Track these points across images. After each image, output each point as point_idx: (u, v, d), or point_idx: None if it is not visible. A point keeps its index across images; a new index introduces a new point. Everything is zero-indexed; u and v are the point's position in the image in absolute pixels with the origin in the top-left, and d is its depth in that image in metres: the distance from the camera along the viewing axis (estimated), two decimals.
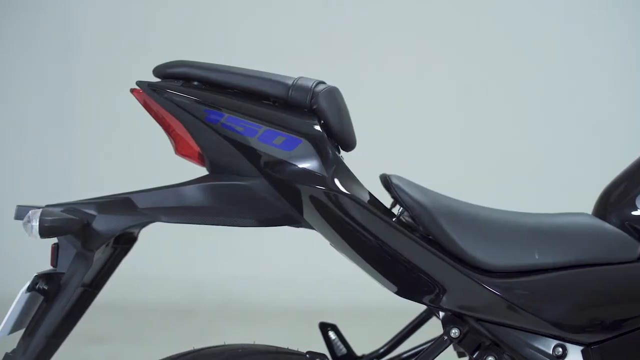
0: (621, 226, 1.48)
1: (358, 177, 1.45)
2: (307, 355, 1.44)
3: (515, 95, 4.98)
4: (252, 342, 1.54)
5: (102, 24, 4.88)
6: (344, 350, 1.67)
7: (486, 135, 4.91)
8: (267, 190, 1.43)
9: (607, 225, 1.48)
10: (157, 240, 4.13)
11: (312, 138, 1.42)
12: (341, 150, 1.52)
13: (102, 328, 3.83)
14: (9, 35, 4.83)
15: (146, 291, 4.40)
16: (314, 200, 1.41)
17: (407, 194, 1.44)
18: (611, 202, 1.53)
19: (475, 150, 4.90)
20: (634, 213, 1.48)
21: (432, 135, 4.91)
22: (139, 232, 1.59)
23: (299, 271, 4.16)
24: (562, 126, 4.87)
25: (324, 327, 1.68)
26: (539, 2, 5.01)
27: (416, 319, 1.72)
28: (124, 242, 1.58)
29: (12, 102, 4.86)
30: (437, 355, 1.45)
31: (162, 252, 4.43)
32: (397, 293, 1.46)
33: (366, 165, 4.63)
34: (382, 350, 1.70)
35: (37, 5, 4.83)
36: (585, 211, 1.57)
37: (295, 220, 1.46)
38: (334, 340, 1.66)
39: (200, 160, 1.49)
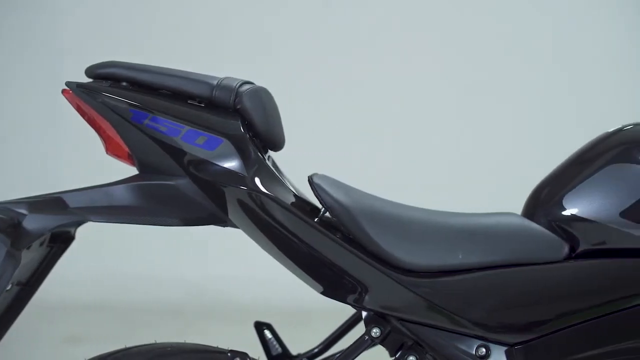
0: (549, 226, 1.47)
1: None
2: (229, 354, 1.45)
3: (515, 97, 4.96)
4: (182, 341, 1.55)
5: (93, 25, 4.91)
6: (279, 349, 1.67)
7: (485, 135, 4.89)
8: (193, 190, 1.45)
9: (534, 226, 1.48)
10: (144, 240, 4.21)
11: (234, 138, 1.43)
12: (270, 150, 1.54)
13: (84, 328, 3.87)
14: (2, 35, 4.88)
15: (133, 291, 4.43)
16: (236, 200, 1.42)
17: (327, 193, 1.44)
18: (539, 203, 1.52)
19: (472, 151, 4.89)
20: (561, 213, 1.47)
21: (430, 135, 4.90)
22: (75, 231, 1.61)
23: (283, 272, 4.16)
24: (560, 126, 4.84)
25: (259, 327, 1.69)
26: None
27: (352, 317, 1.72)
28: (61, 241, 1.60)
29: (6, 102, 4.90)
30: (358, 355, 1.46)
31: (149, 252, 4.47)
32: (322, 293, 1.47)
33: (356, 164, 4.66)
34: (317, 350, 1.70)
35: (30, 4, 4.87)
36: None
37: (222, 219, 1.47)
38: (269, 339, 1.67)
39: (130, 160, 1.50)
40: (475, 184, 4.74)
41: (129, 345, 1.54)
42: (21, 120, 4.70)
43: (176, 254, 4.60)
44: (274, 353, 1.67)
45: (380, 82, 4.93)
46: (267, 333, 1.67)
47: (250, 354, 1.49)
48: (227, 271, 4.45)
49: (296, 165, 4.88)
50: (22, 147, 4.94)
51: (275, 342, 1.67)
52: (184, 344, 1.52)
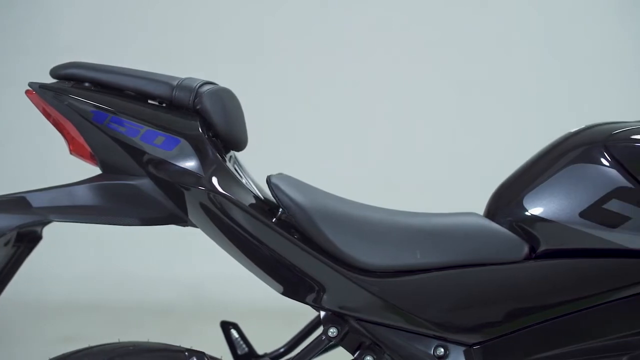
0: (510, 227, 1.48)
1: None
2: (186, 353, 1.46)
3: (512, 96, 4.94)
4: (145, 340, 1.56)
5: (90, 23, 4.93)
6: (246, 349, 1.68)
7: (480, 134, 4.88)
8: (154, 190, 1.45)
9: (494, 226, 1.48)
10: (138, 239, 4.21)
11: (191, 138, 1.44)
12: (232, 150, 1.54)
13: (75, 328, 3.88)
14: None
15: (125, 291, 4.44)
16: (194, 200, 1.43)
17: (284, 193, 1.44)
18: (501, 203, 1.52)
19: (466, 150, 4.88)
20: (521, 213, 1.47)
21: (426, 133, 4.90)
22: (41, 231, 1.62)
23: None
24: (558, 126, 4.81)
25: (226, 326, 1.69)
26: None
27: (318, 317, 1.72)
28: (28, 241, 1.61)
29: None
30: (315, 355, 1.46)
31: (143, 251, 4.48)
32: (283, 293, 1.47)
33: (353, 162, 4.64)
34: (282, 350, 1.71)
35: (23, 4, 4.90)
36: None
37: (182, 219, 1.48)
38: (235, 339, 1.68)
39: (93, 160, 1.52)
40: (471, 183, 4.72)
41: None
42: (18, 120, 4.72)
43: (173, 252, 4.61)
44: (240, 352, 1.67)
45: (379, 82, 4.93)
46: (234, 332, 1.68)
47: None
48: (226, 270, 4.45)
49: (296, 164, 4.90)
50: (20, 147, 4.96)
51: (241, 342, 1.67)
52: (146, 343, 1.53)
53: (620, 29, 5.00)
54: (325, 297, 1.43)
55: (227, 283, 4.26)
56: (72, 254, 4.60)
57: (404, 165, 4.82)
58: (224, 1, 4.96)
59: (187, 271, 4.57)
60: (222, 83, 1.56)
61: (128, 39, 4.88)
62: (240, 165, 1.57)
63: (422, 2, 4.95)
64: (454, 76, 4.90)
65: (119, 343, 1.53)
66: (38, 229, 1.60)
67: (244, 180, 1.51)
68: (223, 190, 1.42)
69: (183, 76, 1.50)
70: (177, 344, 1.64)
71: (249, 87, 4.86)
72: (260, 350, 1.70)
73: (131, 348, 1.51)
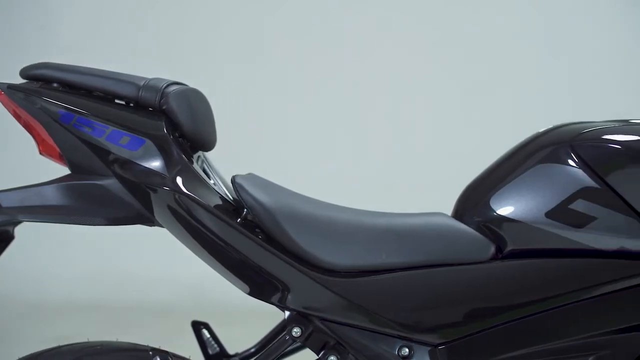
0: (477, 227, 1.47)
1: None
2: (150, 353, 1.46)
3: (515, 96, 4.93)
4: (114, 340, 1.56)
5: (88, 23, 4.96)
6: (217, 348, 1.68)
7: (477, 134, 4.87)
8: (120, 190, 1.46)
9: (461, 226, 1.48)
10: (136, 240, 4.23)
11: (156, 138, 1.44)
12: (201, 150, 1.55)
13: (75, 328, 3.90)
14: None
15: (124, 291, 4.46)
16: (159, 200, 1.43)
17: (249, 194, 1.45)
18: (468, 203, 1.52)
19: (466, 150, 4.86)
20: (488, 214, 1.47)
21: (424, 133, 4.90)
22: (13, 231, 1.63)
23: None
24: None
25: (197, 326, 1.70)
26: None
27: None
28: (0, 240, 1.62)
29: None
30: (279, 354, 1.46)
31: (145, 252, 4.50)
32: (248, 294, 1.48)
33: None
34: (253, 349, 1.70)
35: (15, 5, 4.93)
36: None
37: (148, 219, 1.48)
38: (207, 339, 1.68)
39: (62, 160, 1.52)
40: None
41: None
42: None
43: (172, 252, 4.61)
44: (211, 352, 1.68)
45: (378, 82, 4.92)
46: (205, 332, 1.68)
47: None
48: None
49: (296, 164, 4.90)
50: (18, 147, 4.98)
51: (212, 342, 1.68)
52: (114, 342, 1.54)
53: (622, 28, 4.97)
54: (289, 297, 1.43)
55: (227, 283, 4.27)
56: (71, 254, 4.62)
57: (404, 165, 4.81)
58: (224, 1, 4.97)
59: (187, 271, 4.58)
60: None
61: (127, 38, 4.90)
62: (210, 166, 1.58)
63: (422, 2, 4.95)
64: (454, 76, 4.89)
65: (87, 343, 1.54)
66: (9, 228, 1.61)
67: (211, 181, 1.51)
68: (187, 190, 1.42)
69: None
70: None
71: (249, 87, 4.90)
72: (231, 351, 1.70)
73: (98, 347, 1.52)
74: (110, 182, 1.46)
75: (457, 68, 4.92)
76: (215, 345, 1.68)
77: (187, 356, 1.56)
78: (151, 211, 1.45)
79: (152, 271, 4.57)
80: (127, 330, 3.81)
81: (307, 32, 4.96)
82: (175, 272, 4.56)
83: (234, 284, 1.48)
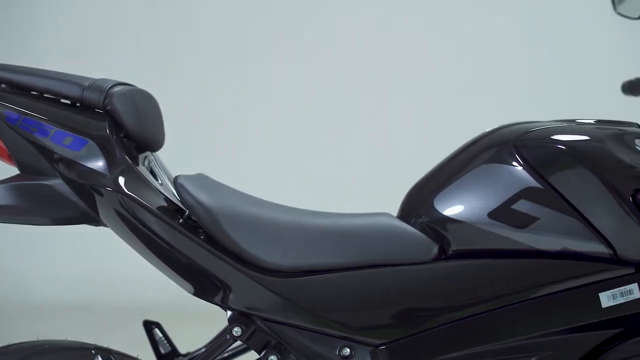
0: (421, 227, 1.47)
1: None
2: (93, 351, 1.47)
3: (513, 97, 4.92)
4: (64, 339, 1.57)
5: (79, 24, 4.98)
6: (169, 348, 1.69)
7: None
8: (66, 190, 1.47)
9: (405, 226, 1.48)
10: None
11: (98, 139, 1.45)
12: (148, 150, 1.55)
13: (60, 328, 3.90)
14: None
15: (112, 291, 4.47)
16: (102, 200, 1.44)
17: (190, 194, 1.45)
18: (413, 204, 1.52)
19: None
20: (432, 214, 1.47)
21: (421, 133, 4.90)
22: None
23: None
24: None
25: (148, 326, 1.70)
26: None
27: None
28: None
29: None
30: (220, 353, 1.46)
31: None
32: (194, 294, 1.48)
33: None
34: (204, 349, 1.70)
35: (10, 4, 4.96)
36: None
37: (94, 219, 1.48)
38: (159, 338, 1.68)
39: (11, 160, 1.53)
40: None
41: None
42: None
43: None
44: (163, 351, 1.68)
45: (376, 82, 4.92)
46: (157, 332, 1.68)
47: None
48: None
49: (295, 164, 4.87)
50: None
51: (164, 341, 1.68)
52: (62, 341, 1.54)
53: (620, 28, 4.94)
54: (231, 297, 1.43)
55: None
56: (64, 254, 4.64)
57: (400, 166, 4.80)
58: (224, 1, 5.00)
59: None
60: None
61: (116, 39, 4.92)
62: (159, 166, 1.58)
63: (419, 2, 4.94)
64: (445, 77, 4.88)
65: (36, 342, 1.55)
66: None
67: (159, 181, 1.52)
68: (128, 190, 1.42)
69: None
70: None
71: (235, 90, 4.91)
72: (182, 350, 1.70)
73: (46, 347, 1.52)
74: (57, 182, 1.47)
75: (449, 69, 4.91)
76: (167, 345, 1.68)
77: (134, 355, 1.57)
78: (96, 211, 1.46)
79: (142, 271, 4.57)
80: (114, 330, 3.82)
81: (297, 32, 4.97)
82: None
83: (178, 284, 1.48)
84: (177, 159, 4.53)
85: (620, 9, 1.83)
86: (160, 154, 1.61)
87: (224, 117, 4.90)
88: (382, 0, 4.97)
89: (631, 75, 2.45)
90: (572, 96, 4.87)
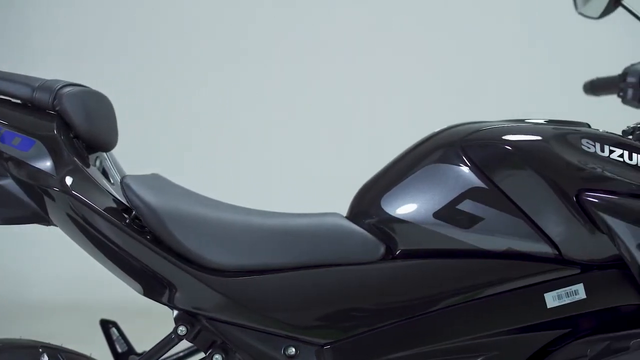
0: (369, 227, 1.47)
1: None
2: (40, 349, 1.48)
3: (512, 97, 4.90)
4: (17, 337, 1.58)
5: (74, 25, 5.01)
6: (126, 347, 1.70)
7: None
8: (17, 190, 1.48)
9: (353, 226, 1.48)
10: None
11: (45, 139, 1.46)
12: (100, 150, 1.56)
13: (50, 328, 3.93)
14: None
15: (102, 291, 4.49)
16: (50, 200, 1.45)
17: (135, 194, 1.46)
18: (361, 204, 1.52)
19: None
20: (379, 214, 1.47)
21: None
22: None
23: None
24: None
25: (105, 325, 1.71)
26: None
27: None
28: None
29: None
30: (164, 353, 1.47)
31: None
32: (143, 294, 1.49)
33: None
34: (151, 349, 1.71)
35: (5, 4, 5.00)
36: None
37: (44, 219, 1.50)
38: (116, 337, 1.69)
39: None
40: None
41: None
42: None
43: None
44: (120, 350, 1.69)
45: (374, 82, 4.93)
46: (114, 331, 1.69)
47: None
48: None
49: (295, 164, 4.87)
50: None
51: (121, 340, 1.69)
52: (11, 339, 1.56)
53: (620, 28, 4.91)
54: (177, 296, 1.44)
55: None
56: (56, 254, 4.66)
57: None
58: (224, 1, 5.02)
59: None
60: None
61: (115, 39, 4.94)
62: (113, 166, 1.59)
63: (419, 2, 4.94)
64: (442, 77, 4.88)
65: None
66: None
67: (111, 181, 1.53)
68: (75, 191, 1.43)
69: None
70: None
71: (226, 89, 4.92)
72: (139, 349, 1.71)
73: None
74: (8, 182, 1.48)
75: (449, 69, 4.90)
76: (124, 344, 1.69)
77: (87, 353, 1.58)
78: (45, 211, 1.47)
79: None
80: (89, 331, 3.83)
81: (297, 32, 4.98)
82: None
83: (128, 284, 1.49)
84: (177, 158, 4.59)
85: (582, 9, 1.83)
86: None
87: (223, 117, 4.92)
88: (382, 0, 4.97)
89: None
90: (572, 96, 4.83)
